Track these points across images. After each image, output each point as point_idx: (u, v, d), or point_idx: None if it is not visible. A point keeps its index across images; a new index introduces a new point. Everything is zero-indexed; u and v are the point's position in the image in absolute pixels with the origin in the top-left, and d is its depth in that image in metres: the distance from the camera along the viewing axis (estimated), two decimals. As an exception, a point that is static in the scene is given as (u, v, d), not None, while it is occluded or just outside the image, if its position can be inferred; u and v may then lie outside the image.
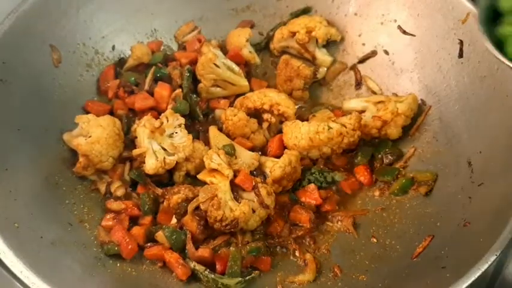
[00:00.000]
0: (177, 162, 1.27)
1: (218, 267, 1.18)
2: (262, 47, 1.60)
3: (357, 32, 1.54)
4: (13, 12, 1.30)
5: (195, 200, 1.20)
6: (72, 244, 1.18)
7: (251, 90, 1.48)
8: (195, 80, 1.47)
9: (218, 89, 1.47)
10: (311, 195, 1.31)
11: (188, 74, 1.44)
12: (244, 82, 1.46)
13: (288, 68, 1.47)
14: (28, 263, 1.03)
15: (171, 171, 1.31)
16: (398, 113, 1.36)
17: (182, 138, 1.29)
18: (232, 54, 1.49)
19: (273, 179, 1.28)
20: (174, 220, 1.24)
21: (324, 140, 1.30)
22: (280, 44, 1.55)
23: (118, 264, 1.20)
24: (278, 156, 1.32)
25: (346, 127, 1.31)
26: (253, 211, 1.21)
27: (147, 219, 1.26)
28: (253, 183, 1.22)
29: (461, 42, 1.33)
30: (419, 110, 1.41)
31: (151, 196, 1.27)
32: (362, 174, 1.36)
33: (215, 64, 1.42)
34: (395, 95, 1.46)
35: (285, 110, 1.37)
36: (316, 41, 1.52)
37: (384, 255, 1.22)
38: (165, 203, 1.23)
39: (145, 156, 1.26)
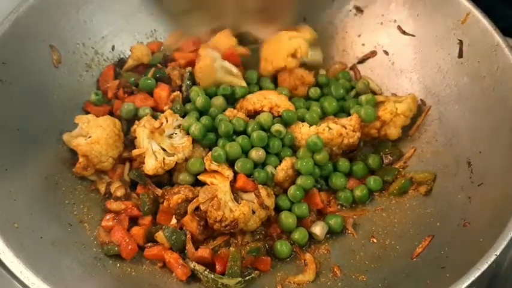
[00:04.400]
0: (176, 162, 1.27)
1: (218, 267, 1.18)
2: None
3: (356, 32, 1.54)
4: (13, 12, 1.30)
5: (195, 200, 1.20)
6: (72, 244, 1.18)
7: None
8: (193, 82, 1.47)
9: None
10: (312, 199, 1.31)
11: (189, 77, 1.44)
12: (243, 83, 1.46)
13: (292, 77, 1.46)
14: (28, 263, 1.03)
15: (170, 172, 1.31)
16: (397, 113, 1.36)
17: (182, 139, 1.29)
18: (227, 53, 1.47)
19: (275, 182, 1.28)
20: (174, 220, 1.24)
21: (324, 141, 1.30)
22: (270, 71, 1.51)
23: (118, 265, 1.20)
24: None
25: (346, 128, 1.31)
26: (253, 212, 1.20)
27: (147, 220, 1.26)
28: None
29: (461, 43, 1.33)
30: (419, 110, 1.41)
31: (151, 196, 1.27)
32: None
33: (214, 67, 1.42)
34: (395, 95, 1.46)
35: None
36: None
37: (384, 255, 1.22)
38: (165, 203, 1.23)
39: (144, 157, 1.26)
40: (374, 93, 1.49)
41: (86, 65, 1.46)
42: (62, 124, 1.36)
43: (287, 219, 1.25)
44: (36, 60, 1.34)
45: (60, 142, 1.34)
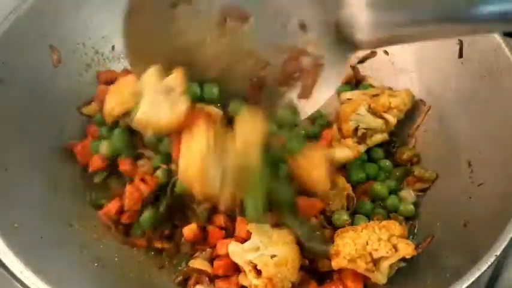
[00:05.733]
0: None
1: None
2: None
3: (356, 32, 1.54)
4: (13, 12, 1.30)
5: None
6: (72, 244, 1.18)
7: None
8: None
9: None
10: None
11: None
12: None
13: None
14: (28, 263, 1.03)
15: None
16: (390, 107, 1.35)
17: None
18: None
19: None
20: None
21: None
22: None
23: (117, 266, 1.20)
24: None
25: None
26: None
27: None
28: None
29: (461, 42, 1.33)
30: (419, 110, 1.41)
31: None
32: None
33: None
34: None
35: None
36: None
37: (384, 256, 1.22)
38: None
39: None
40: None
41: (86, 65, 1.46)
42: (62, 124, 1.36)
43: None
44: (36, 60, 1.34)
45: (60, 141, 1.34)
